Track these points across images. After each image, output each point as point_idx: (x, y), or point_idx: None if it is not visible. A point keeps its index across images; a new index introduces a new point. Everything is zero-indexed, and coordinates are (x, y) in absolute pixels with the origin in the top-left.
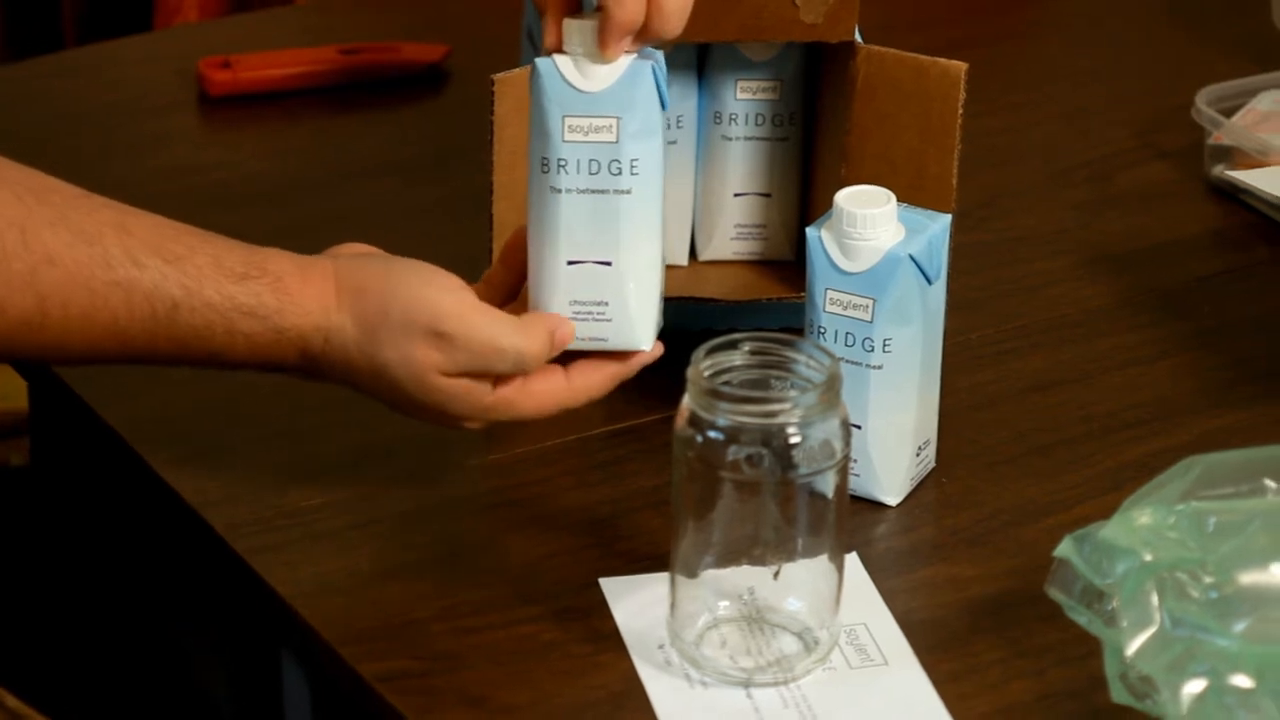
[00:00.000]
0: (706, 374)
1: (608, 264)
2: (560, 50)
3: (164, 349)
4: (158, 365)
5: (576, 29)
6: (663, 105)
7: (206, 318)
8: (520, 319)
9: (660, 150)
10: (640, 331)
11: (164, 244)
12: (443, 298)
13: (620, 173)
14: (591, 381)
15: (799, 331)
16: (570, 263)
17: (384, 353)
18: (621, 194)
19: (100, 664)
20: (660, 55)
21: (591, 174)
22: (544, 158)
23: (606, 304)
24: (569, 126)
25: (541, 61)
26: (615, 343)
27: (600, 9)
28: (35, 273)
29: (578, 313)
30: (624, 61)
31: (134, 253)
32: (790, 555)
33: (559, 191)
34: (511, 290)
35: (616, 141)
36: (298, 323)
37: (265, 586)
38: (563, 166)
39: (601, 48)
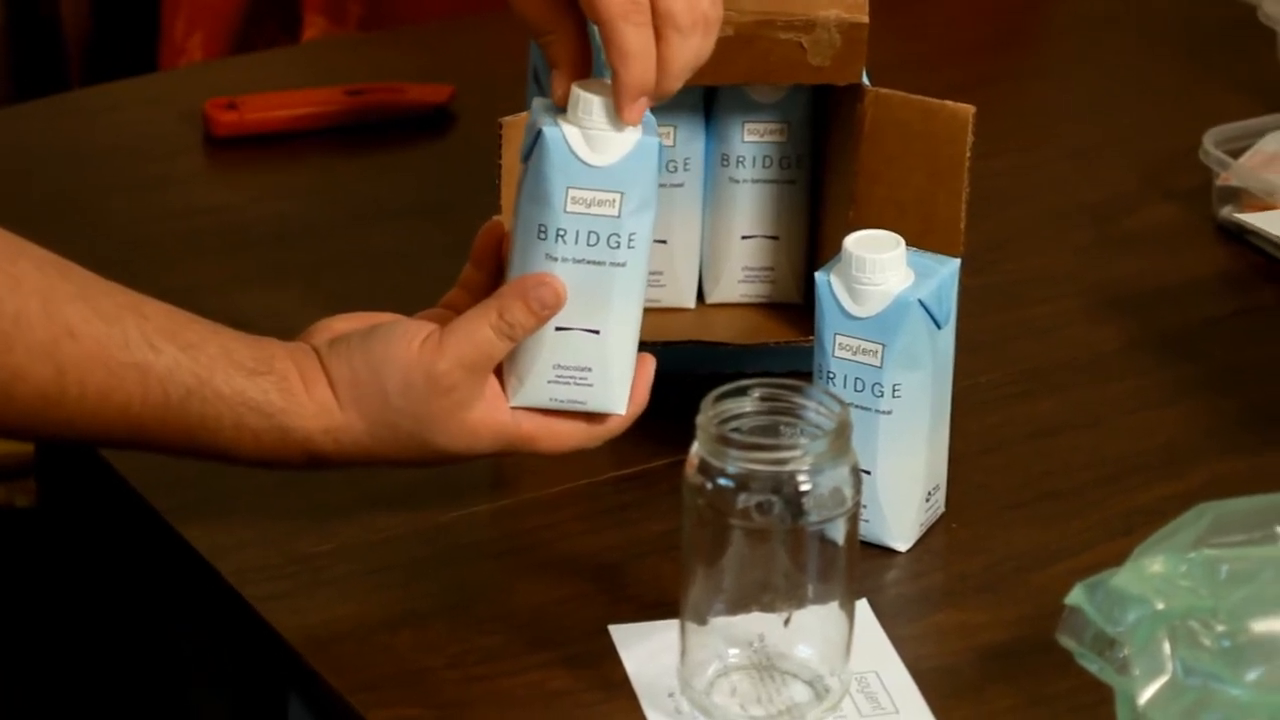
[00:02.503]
0: (716, 421)
1: (595, 332)
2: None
3: (173, 437)
4: (164, 453)
5: (584, 102)
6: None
7: (217, 409)
8: (490, 298)
9: (653, 222)
10: (618, 396)
11: (178, 331)
12: (419, 349)
13: (619, 246)
14: (612, 426)
15: (807, 375)
16: (559, 328)
17: (401, 428)
18: (617, 266)
19: (105, 708)
20: (655, 125)
21: (590, 245)
22: (542, 224)
23: (590, 370)
24: (572, 198)
25: (549, 130)
26: (593, 406)
27: (617, 72)
28: (56, 344)
29: (560, 376)
30: (631, 137)
31: (150, 337)
32: (801, 602)
33: (555, 260)
34: (486, 290)
35: (618, 216)
36: (304, 425)
37: (274, 633)
38: (561, 236)
39: (620, 114)
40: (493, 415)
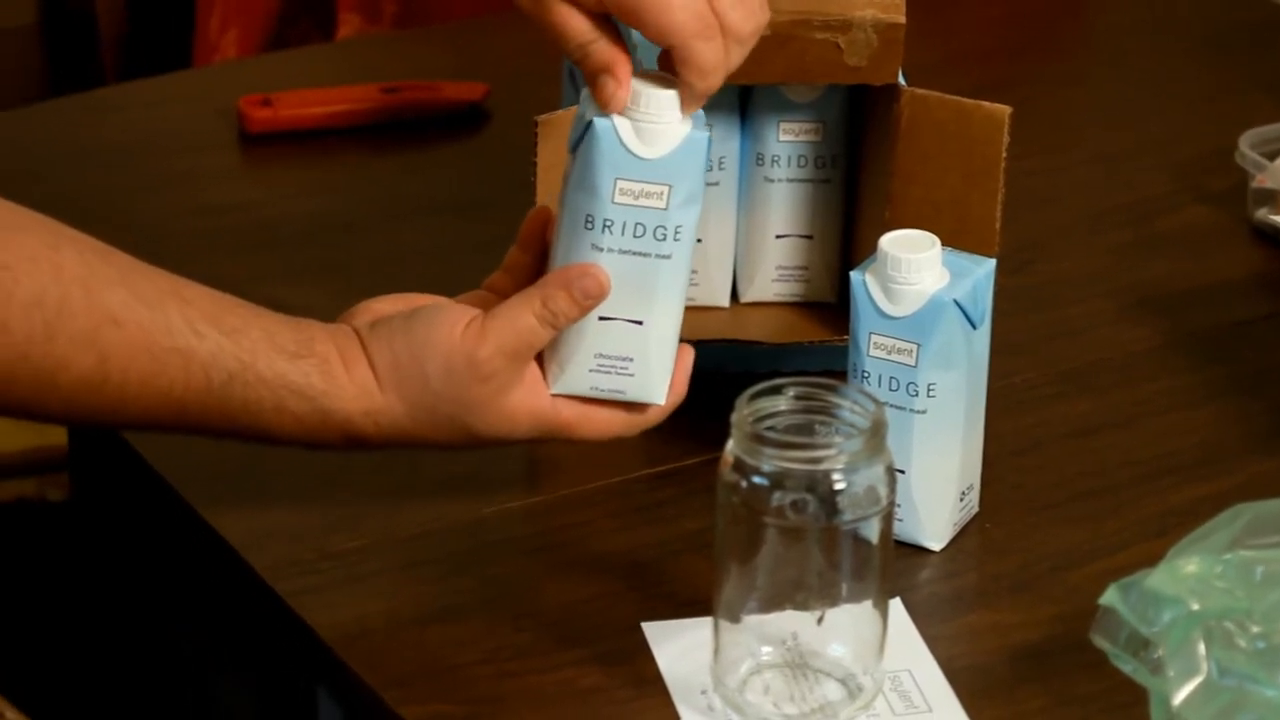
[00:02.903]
0: (751, 419)
1: (639, 323)
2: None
3: (214, 421)
4: (206, 436)
5: (634, 94)
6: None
7: (259, 393)
8: (533, 286)
9: (699, 215)
10: (658, 387)
11: (220, 316)
12: (461, 334)
13: (665, 239)
14: (651, 416)
15: (841, 374)
16: (602, 318)
17: (441, 411)
18: (663, 259)
19: (137, 701)
20: (704, 119)
21: (636, 237)
22: (589, 215)
23: (631, 360)
24: (620, 189)
25: (599, 121)
26: (632, 395)
27: (680, 78)
28: (99, 331)
29: (601, 365)
30: (681, 130)
31: (193, 322)
32: (834, 601)
33: (600, 250)
34: (531, 274)
35: (665, 209)
36: (344, 407)
37: (306, 628)
38: (608, 227)
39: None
40: (532, 401)
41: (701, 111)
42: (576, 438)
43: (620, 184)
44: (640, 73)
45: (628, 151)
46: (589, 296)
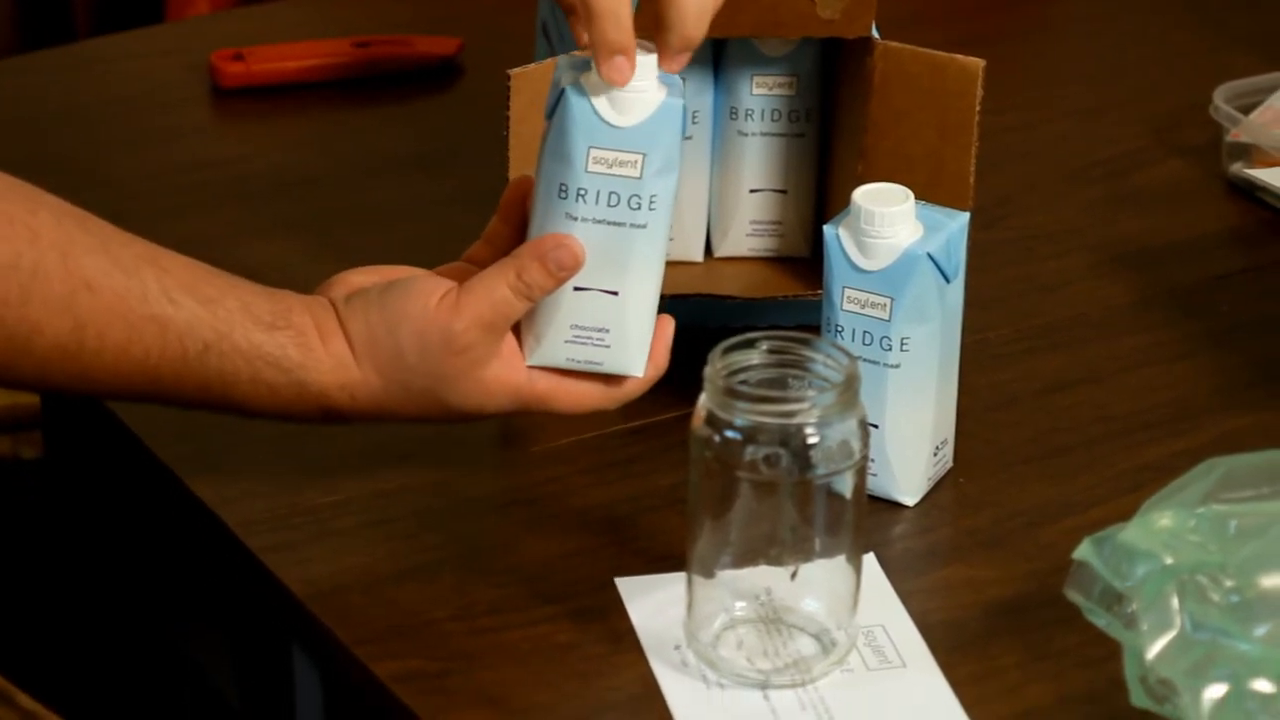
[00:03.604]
0: (724, 373)
1: (614, 294)
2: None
3: (189, 391)
4: (179, 407)
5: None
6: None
7: (234, 363)
8: (508, 258)
9: (675, 184)
10: (636, 358)
11: (197, 285)
12: (435, 307)
13: (639, 208)
14: (629, 389)
15: (815, 329)
16: (577, 288)
17: (416, 385)
18: (637, 228)
19: (110, 660)
20: (680, 84)
21: (610, 206)
22: (563, 183)
23: (607, 331)
24: (594, 158)
25: (571, 89)
26: (610, 367)
27: (660, 29)
28: (74, 296)
29: (577, 336)
30: (655, 98)
31: (170, 290)
32: (808, 556)
33: (575, 219)
34: (511, 245)
35: (640, 178)
36: (320, 379)
37: (279, 585)
38: (582, 196)
39: (665, 65)
40: (508, 374)
41: (677, 79)
42: (553, 410)
43: (594, 152)
44: None
45: (601, 120)
46: (563, 268)
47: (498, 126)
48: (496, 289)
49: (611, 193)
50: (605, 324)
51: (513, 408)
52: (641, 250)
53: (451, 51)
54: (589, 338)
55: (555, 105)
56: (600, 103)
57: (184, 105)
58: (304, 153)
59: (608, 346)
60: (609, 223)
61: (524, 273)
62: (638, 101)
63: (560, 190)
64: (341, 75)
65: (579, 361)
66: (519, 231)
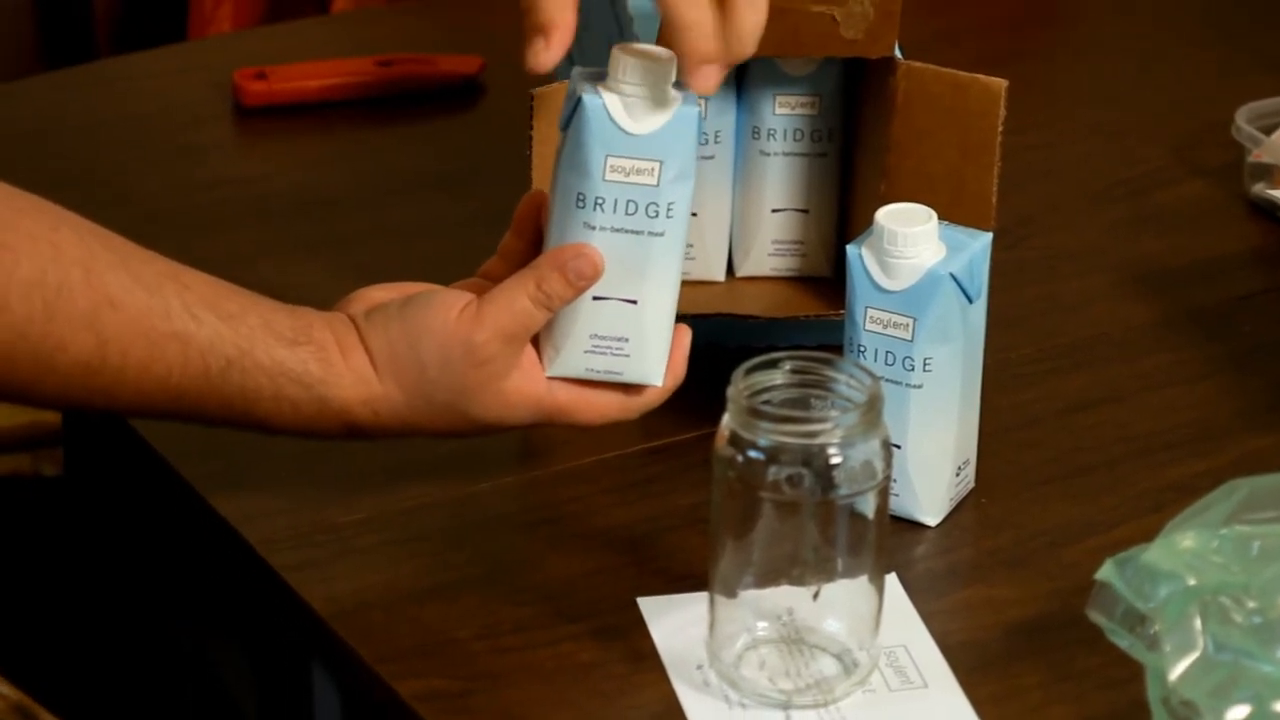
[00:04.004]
0: (747, 393)
1: (633, 302)
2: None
3: (211, 408)
4: (201, 424)
5: (624, 66)
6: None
7: (257, 380)
8: (527, 269)
9: (692, 192)
10: (655, 367)
11: (219, 301)
12: (456, 319)
13: (657, 216)
14: (649, 398)
15: (837, 349)
16: (596, 298)
17: (438, 399)
18: (655, 236)
19: (130, 676)
20: (695, 95)
21: (628, 214)
22: (581, 193)
23: (627, 340)
24: (611, 166)
25: (589, 99)
26: (629, 377)
27: (676, 44)
28: (98, 313)
29: (597, 346)
30: (673, 105)
31: (192, 307)
32: (830, 576)
33: (593, 229)
34: (526, 259)
35: (657, 185)
36: (342, 395)
37: (301, 603)
38: (600, 205)
39: (690, 81)
40: (528, 385)
41: (694, 98)
42: (574, 422)
43: (611, 161)
44: (631, 47)
45: (618, 128)
46: (582, 277)
47: (520, 146)
48: (517, 300)
49: (629, 201)
50: (624, 333)
51: (533, 420)
52: (659, 258)
53: (474, 70)
54: (608, 347)
55: (571, 115)
56: (616, 111)
57: (206, 124)
58: (326, 172)
59: (627, 356)
60: (627, 231)
61: (544, 283)
62: (654, 109)
63: (578, 200)
64: (364, 94)
65: (598, 371)
66: (533, 246)
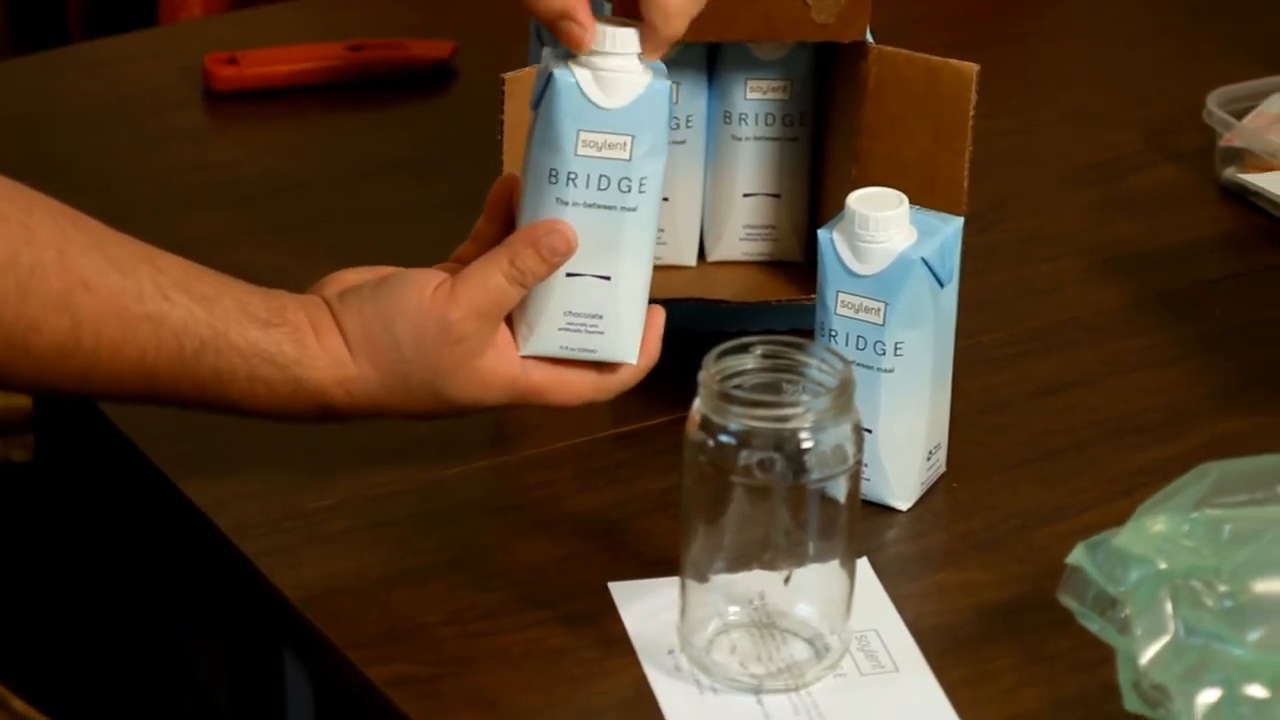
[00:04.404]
0: (718, 378)
1: (606, 278)
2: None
3: (185, 390)
4: (175, 406)
5: (604, 41)
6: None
7: (230, 361)
8: (500, 246)
9: (664, 167)
10: (629, 345)
11: (192, 283)
12: (430, 298)
13: (629, 190)
14: (624, 378)
15: (808, 333)
16: (569, 274)
17: (413, 378)
18: (628, 211)
19: (102, 664)
20: (664, 68)
21: (600, 189)
22: (553, 169)
23: (601, 317)
24: (583, 141)
25: (560, 73)
26: (604, 355)
27: (643, 20)
28: (71, 295)
29: (571, 323)
30: (643, 80)
31: (165, 288)
32: (801, 560)
33: (565, 204)
34: (498, 243)
35: (629, 160)
36: (316, 375)
37: (272, 588)
38: (572, 179)
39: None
40: (503, 365)
41: (663, 63)
42: (549, 402)
43: (583, 135)
44: (600, 17)
45: (589, 102)
46: (556, 253)
47: (492, 130)
48: (491, 277)
49: (602, 176)
50: (599, 310)
51: (508, 400)
52: (632, 233)
53: (445, 55)
54: (583, 324)
55: (543, 92)
56: (588, 85)
57: (177, 108)
58: (297, 156)
59: (601, 333)
60: (600, 206)
61: (517, 259)
62: (624, 83)
63: (550, 175)
64: (335, 79)
65: (573, 349)
66: (505, 230)
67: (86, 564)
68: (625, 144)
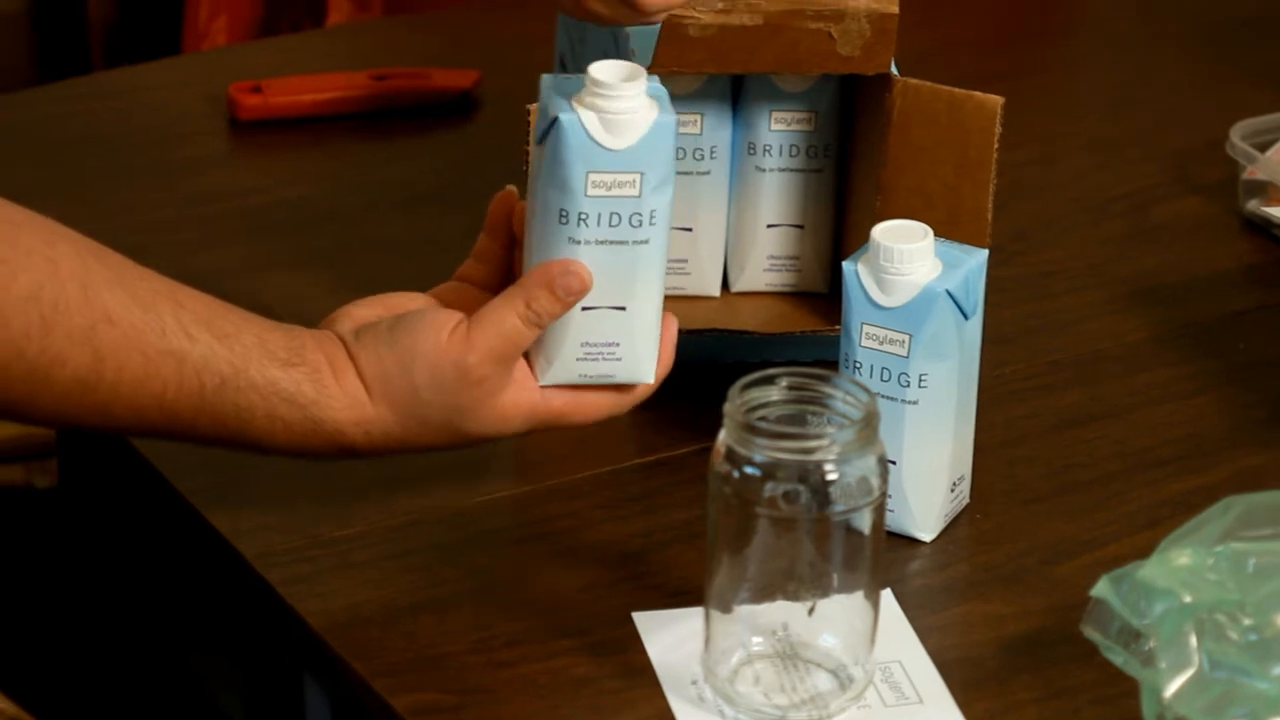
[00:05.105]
0: (743, 409)
1: (622, 309)
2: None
3: (204, 427)
4: (194, 443)
5: (607, 83)
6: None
7: (250, 399)
8: (515, 287)
9: (672, 196)
10: (646, 365)
11: (213, 320)
12: (447, 342)
13: (640, 225)
14: (641, 392)
15: (832, 364)
16: (585, 308)
17: (432, 419)
18: (640, 244)
19: (123, 689)
20: (666, 94)
21: (612, 226)
22: (563, 210)
23: (618, 344)
24: (592, 182)
25: (565, 118)
26: (622, 378)
27: None
28: (95, 329)
29: (589, 354)
30: (649, 118)
31: (186, 325)
32: (825, 591)
33: (578, 243)
34: (501, 260)
35: (639, 196)
36: (335, 416)
37: (296, 617)
38: (584, 220)
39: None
40: (523, 396)
41: (666, 93)
42: (570, 424)
43: (592, 177)
44: (599, 64)
45: (597, 144)
46: (571, 293)
47: (515, 160)
48: (506, 320)
49: (613, 214)
50: (615, 338)
51: (529, 428)
52: (645, 264)
53: (469, 85)
54: (600, 353)
55: (547, 132)
56: (594, 128)
57: (201, 137)
58: (321, 185)
59: (619, 360)
60: (612, 243)
61: (533, 302)
62: (631, 123)
63: (561, 216)
64: (359, 108)
65: (591, 377)
66: (507, 247)
67: (108, 590)
68: (634, 181)
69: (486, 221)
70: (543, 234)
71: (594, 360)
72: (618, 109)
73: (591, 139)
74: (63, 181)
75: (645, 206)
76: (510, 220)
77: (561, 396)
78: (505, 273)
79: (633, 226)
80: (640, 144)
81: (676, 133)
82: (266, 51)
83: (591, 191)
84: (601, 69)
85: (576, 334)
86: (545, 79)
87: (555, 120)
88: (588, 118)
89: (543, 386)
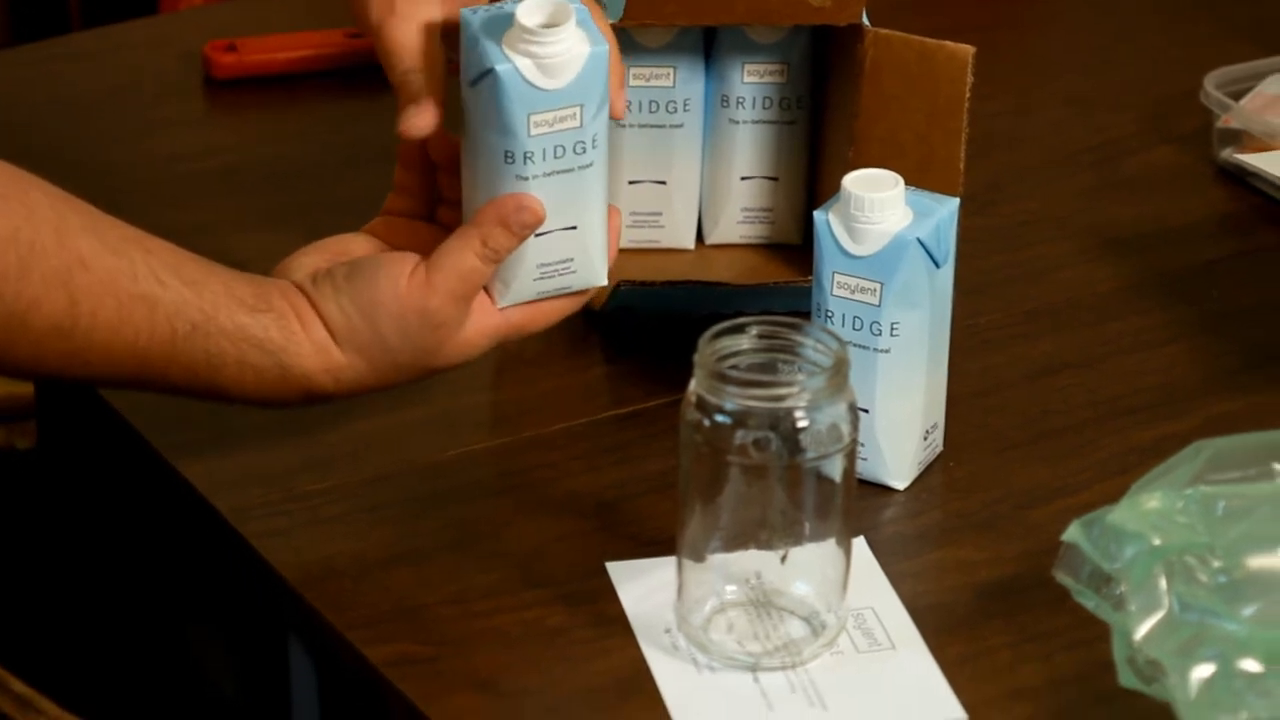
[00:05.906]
0: (714, 358)
1: (573, 228)
2: None
3: (175, 374)
4: (165, 392)
5: (539, 29)
6: None
7: (220, 345)
8: (469, 226)
9: (608, 116)
10: (599, 269)
11: (181, 266)
12: (406, 288)
13: (584, 151)
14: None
15: (806, 315)
16: (538, 234)
17: (402, 361)
18: (585, 168)
19: (105, 649)
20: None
21: (558, 158)
22: (508, 151)
23: (572, 260)
24: (534, 123)
25: (502, 69)
26: (577, 285)
27: None
28: (70, 273)
29: (545, 273)
30: (582, 53)
31: (156, 271)
32: (798, 539)
33: (526, 179)
34: (421, 189)
35: (580, 125)
36: (303, 364)
37: (272, 571)
38: (529, 157)
39: None
40: (485, 322)
41: (586, 12)
42: (530, 333)
43: (534, 118)
44: (524, 6)
45: (535, 88)
46: (527, 226)
47: None
48: (464, 260)
49: (558, 146)
50: (569, 254)
51: (494, 345)
52: (591, 184)
53: None
54: (555, 270)
55: (480, 79)
56: (532, 74)
57: (177, 96)
58: (296, 143)
59: (574, 272)
60: (559, 172)
61: (489, 240)
62: (566, 63)
63: (507, 157)
64: (334, 66)
65: (549, 291)
66: (425, 177)
67: (89, 550)
68: (575, 114)
69: (399, 154)
70: (488, 174)
71: (550, 278)
72: (553, 53)
73: (530, 84)
74: (38, 141)
75: (587, 134)
76: (423, 148)
77: (520, 311)
78: (429, 200)
79: (576, 154)
80: (577, 80)
81: (608, 58)
82: (241, 10)
83: (534, 131)
84: (528, 12)
85: (533, 257)
86: (467, 15)
87: (491, 70)
88: (524, 65)
89: (502, 309)
